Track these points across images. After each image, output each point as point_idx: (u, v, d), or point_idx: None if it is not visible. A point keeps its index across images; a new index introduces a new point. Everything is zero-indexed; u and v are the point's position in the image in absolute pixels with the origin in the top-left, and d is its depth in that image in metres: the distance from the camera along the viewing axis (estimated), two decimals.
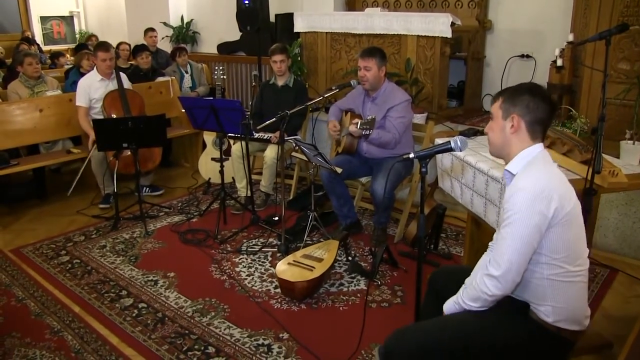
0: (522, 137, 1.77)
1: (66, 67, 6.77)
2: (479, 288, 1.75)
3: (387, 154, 3.53)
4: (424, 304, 2.14)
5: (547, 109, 1.75)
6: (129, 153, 4.02)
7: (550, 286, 1.72)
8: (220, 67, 4.47)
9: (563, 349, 1.81)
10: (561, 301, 1.72)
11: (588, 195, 2.17)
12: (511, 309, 1.78)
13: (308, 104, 3.86)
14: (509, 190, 1.72)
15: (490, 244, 2.02)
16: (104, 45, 4.42)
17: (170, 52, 6.22)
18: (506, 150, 1.81)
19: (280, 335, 2.65)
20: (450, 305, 1.89)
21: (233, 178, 4.41)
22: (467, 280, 1.98)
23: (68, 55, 8.12)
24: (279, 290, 3.03)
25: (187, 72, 5.81)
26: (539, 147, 1.77)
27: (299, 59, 5.29)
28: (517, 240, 1.65)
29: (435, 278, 2.17)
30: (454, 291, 1.99)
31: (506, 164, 1.84)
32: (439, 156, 2.93)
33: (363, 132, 3.26)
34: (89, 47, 6.68)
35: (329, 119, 3.82)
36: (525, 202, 1.64)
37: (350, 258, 3.41)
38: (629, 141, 3.44)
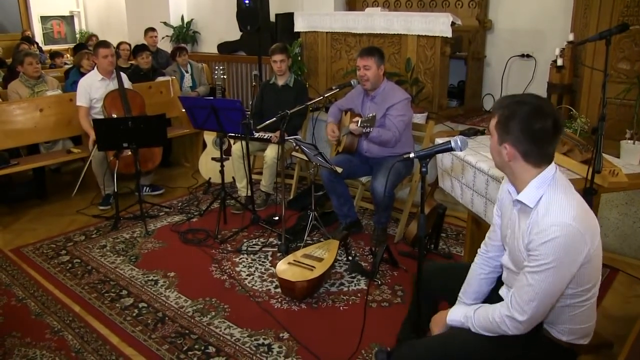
0: (520, 164, 1.62)
1: (65, 67, 6.78)
2: (496, 324, 1.67)
3: (387, 152, 3.53)
4: (414, 302, 2.14)
5: (545, 137, 1.58)
6: (129, 153, 4.02)
7: (569, 311, 1.68)
8: (221, 67, 4.47)
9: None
10: (577, 323, 1.70)
11: (588, 194, 2.17)
12: None
13: (308, 103, 3.86)
14: (538, 235, 1.55)
15: (481, 250, 1.96)
16: (103, 43, 4.44)
17: (170, 52, 6.22)
18: (508, 173, 1.70)
19: (281, 335, 2.65)
20: (456, 322, 1.82)
21: (233, 178, 4.41)
22: (461, 294, 1.95)
23: (68, 55, 8.13)
24: (279, 290, 3.03)
25: (187, 72, 5.81)
26: (550, 171, 1.62)
27: (299, 58, 5.29)
28: (547, 290, 1.56)
29: (425, 276, 2.14)
30: (446, 289, 1.99)
31: (513, 185, 1.71)
32: (439, 156, 2.93)
33: (364, 130, 3.26)
34: (88, 47, 6.68)
35: (328, 121, 3.82)
36: (558, 253, 1.52)
37: (350, 258, 3.41)
38: (629, 141, 3.44)
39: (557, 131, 1.60)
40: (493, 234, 1.92)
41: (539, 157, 1.60)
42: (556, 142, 1.64)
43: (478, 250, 1.99)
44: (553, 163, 1.64)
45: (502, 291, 1.85)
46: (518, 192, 1.67)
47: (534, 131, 1.56)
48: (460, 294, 1.96)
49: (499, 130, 1.64)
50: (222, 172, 3.93)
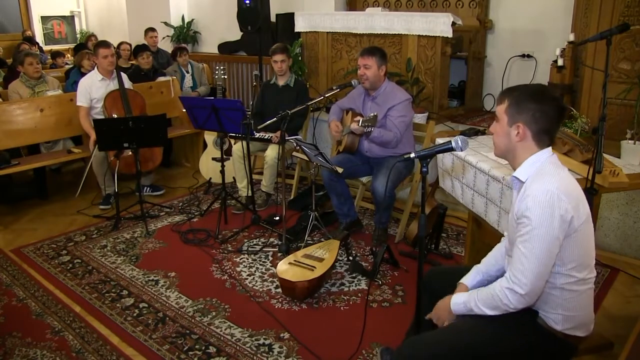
0: (528, 144, 1.73)
1: (66, 67, 6.78)
2: (498, 299, 1.71)
3: (388, 152, 3.53)
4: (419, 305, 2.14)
5: (555, 117, 1.70)
6: (130, 153, 4.03)
7: (562, 295, 1.71)
8: (221, 67, 4.47)
9: (568, 354, 1.81)
10: (571, 309, 1.72)
11: (589, 194, 2.17)
12: (520, 316, 1.75)
13: (309, 103, 3.85)
14: (523, 203, 1.67)
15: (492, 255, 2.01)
16: (103, 43, 4.44)
17: (171, 52, 6.22)
18: (511, 155, 1.79)
19: (281, 335, 2.65)
20: (459, 307, 1.84)
21: (234, 178, 4.41)
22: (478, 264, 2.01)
23: (69, 55, 8.12)
24: (279, 290, 3.03)
25: (188, 72, 5.81)
26: (546, 152, 1.73)
27: (300, 58, 5.28)
28: (539, 257, 1.63)
29: (429, 279, 2.15)
30: (450, 292, 1.99)
31: (512, 167, 1.80)
32: (439, 156, 2.93)
33: (365, 130, 3.26)
34: (88, 47, 6.68)
35: (330, 119, 3.82)
36: (542, 217, 1.61)
37: (351, 258, 3.41)
38: (629, 141, 3.44)
39: (563, 113, 1.74)
40: None
41: (547, 135, 1.73)
42: (560, 124, 1.77)
43: None
44: (549, 148, 1.75)
45: None
46: None
47: (548, 109, 1.69)
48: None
49: (510, 111, 1.74)
50: (222, 172, 3.94)
